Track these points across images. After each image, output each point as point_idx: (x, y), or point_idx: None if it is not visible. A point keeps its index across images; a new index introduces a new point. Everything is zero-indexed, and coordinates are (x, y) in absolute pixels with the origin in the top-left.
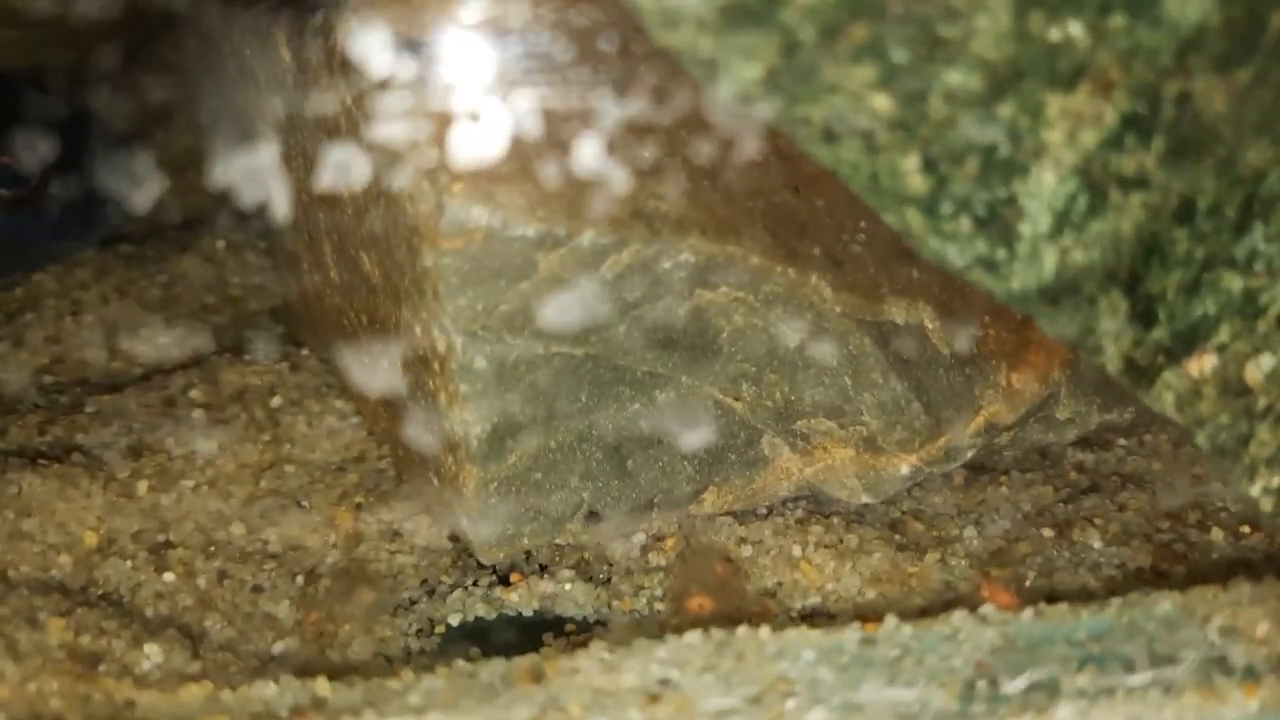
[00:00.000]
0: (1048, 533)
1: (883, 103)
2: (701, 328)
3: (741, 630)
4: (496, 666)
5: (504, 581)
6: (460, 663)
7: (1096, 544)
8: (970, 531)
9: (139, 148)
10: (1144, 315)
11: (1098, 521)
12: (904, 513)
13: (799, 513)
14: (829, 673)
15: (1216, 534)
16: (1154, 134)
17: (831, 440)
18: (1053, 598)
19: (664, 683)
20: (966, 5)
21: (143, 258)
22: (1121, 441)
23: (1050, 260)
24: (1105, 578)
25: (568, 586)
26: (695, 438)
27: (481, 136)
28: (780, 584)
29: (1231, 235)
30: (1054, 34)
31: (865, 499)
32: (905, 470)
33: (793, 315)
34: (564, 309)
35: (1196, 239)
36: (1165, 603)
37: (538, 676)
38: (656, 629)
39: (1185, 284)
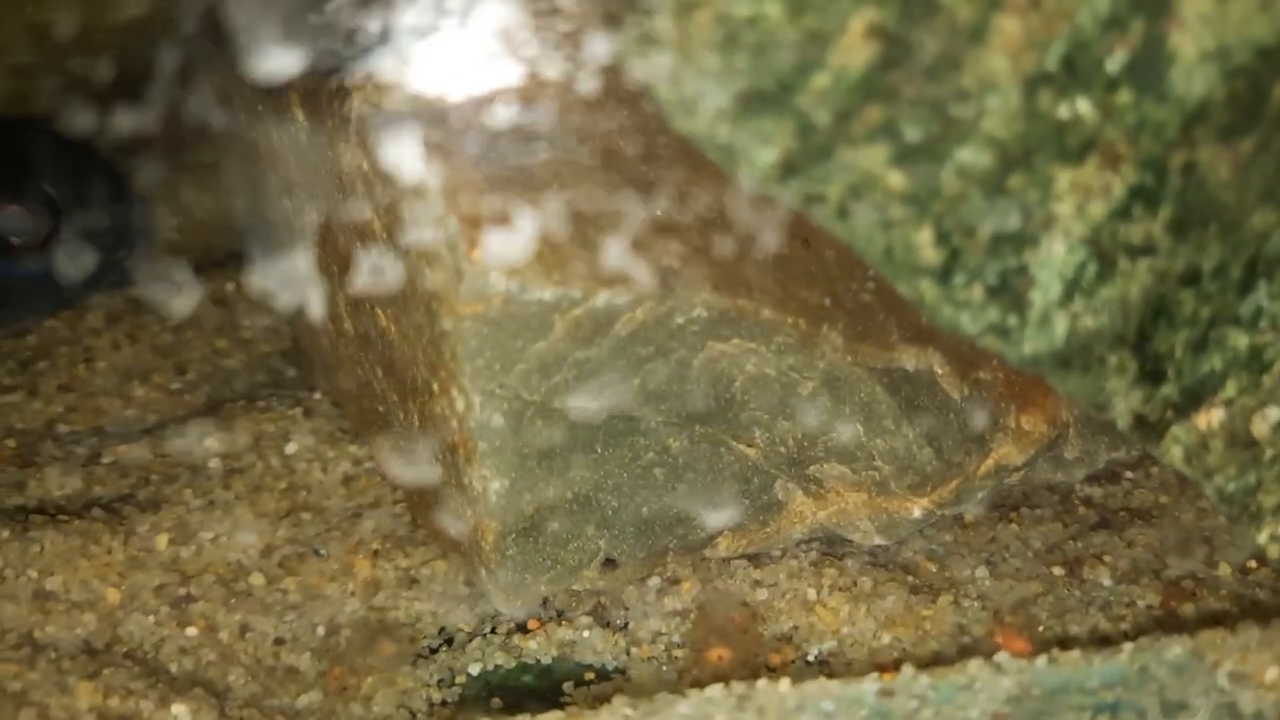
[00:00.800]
0: (1058, 571)
1: (897, 180)
2: (714, 378)
3: (762, 683)
4: None
5: (522, 629)
6: None
7: (1106, 582)
8: (982, 572)
9: (149, 193)
10: (1152, 374)
11: (1107, 559)
12: (916, 553)
13: (813, 555)
14: None
15: (1224, 570)
16: (1161, 204)
17: (844, 485)
18: (1065, 642)
19: None
20: (977, 86)
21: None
22: (1129, 475)
23: (1061, 326)
24: (1116, 617)
25: (586, 634)
26: (710, 484)
27: (498, 208)
28: (796, 628)
29: (1237, 295)
30: (1063, 111)
31: (878, 540)
32: (917, 513)
33: (804, 365)
34: (580, 366)
35: (1203, 300)
36: (1176, 647)
37: None
38: (676, 677)
39: (1192, 342)
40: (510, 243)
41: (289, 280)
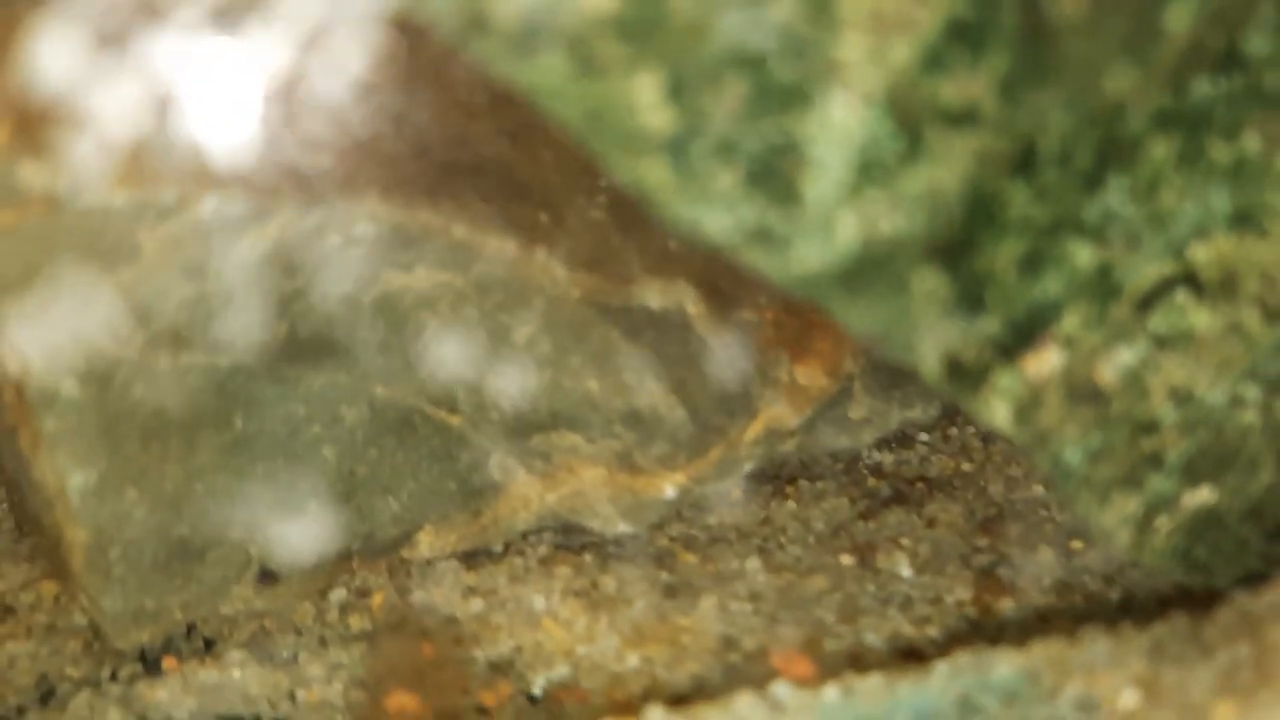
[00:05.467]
0: (847, 560)
1: None
2: (396, 323)
3: None
4: None
5: (154, 670)
6: None
7: (905, 572)
8: (754, 563)
9: None
10: (971, 300)
11: (905, 542)
12: (673, 540)
13: (543, 550)
14: None
15: (1045, 553)
16: (987, 48)
17: (577, 458)
18: (858, 657)
19: None
20: None
21: None
22: (923, 438)
23: (848, 229)
24: (920, 619)
25: (237, 674)
26: (399, 464)
27: (41, 65)
28: (518, 649)
29: (1081, 191)
30: None
31: (624, 528)
32: (670, 492)
33: (516, 303)
34: (190, 304)
35: (1038, 196)
36: (1002, 666)
37: None
38: None
39: (1022, 256)
40: (62, 128)
41: None
